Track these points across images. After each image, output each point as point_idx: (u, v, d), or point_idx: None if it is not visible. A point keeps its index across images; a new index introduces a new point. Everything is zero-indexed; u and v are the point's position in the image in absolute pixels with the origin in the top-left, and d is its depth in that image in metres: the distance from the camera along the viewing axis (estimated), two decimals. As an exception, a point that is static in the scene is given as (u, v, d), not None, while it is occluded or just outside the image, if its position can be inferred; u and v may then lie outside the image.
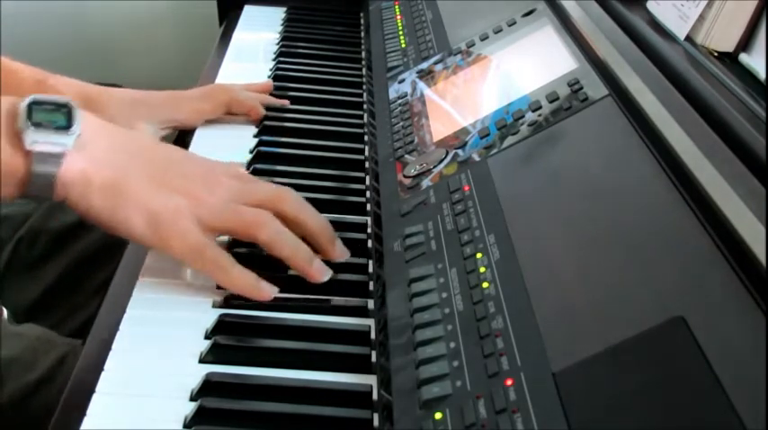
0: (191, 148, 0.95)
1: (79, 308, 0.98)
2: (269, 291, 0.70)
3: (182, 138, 0.97)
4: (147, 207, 0.68)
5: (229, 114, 1.00)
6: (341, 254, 0.75)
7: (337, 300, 0.72)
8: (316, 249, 0.73)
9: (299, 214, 0.73)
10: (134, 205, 0.68)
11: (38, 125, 0.65)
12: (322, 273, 0.72)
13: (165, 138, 0.95)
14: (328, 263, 0.73)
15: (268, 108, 1.03)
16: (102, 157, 0.68)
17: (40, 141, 0.65)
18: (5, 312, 0.90)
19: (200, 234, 0.69)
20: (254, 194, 0.72)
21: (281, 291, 0.71)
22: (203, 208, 0.69)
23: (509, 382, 0.54)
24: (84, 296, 0.98)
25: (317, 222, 0.74)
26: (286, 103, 1.04)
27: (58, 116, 0.66)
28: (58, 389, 0.77)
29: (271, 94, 1.08)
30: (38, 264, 1.00)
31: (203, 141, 0.96)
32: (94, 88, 0.92)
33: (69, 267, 1.00)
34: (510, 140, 0.78)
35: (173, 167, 0.71)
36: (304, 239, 0.73)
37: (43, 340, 0.82)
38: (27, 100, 0.66)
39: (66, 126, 0.66)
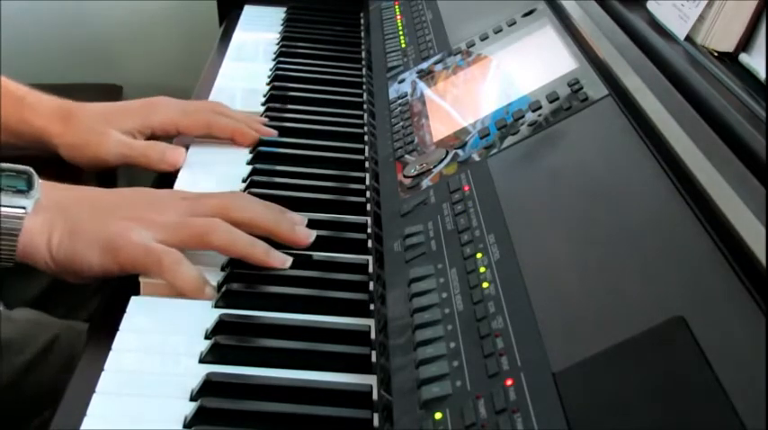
0: (191, 148, 0.95)
1: (79, 307, 0.98)
2: (211, 294, 0.71)
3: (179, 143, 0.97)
4: (99, 238, 0.71)
5: (211, 137, 0.95)
6: (305, 238, 0.76)
7: (338, 295, 0.72)
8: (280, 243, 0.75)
9: (248, 216, 0.75)
10: (88, 242, 0.71)
11: (1, 190, 0.70)
12: (282, 262, 0.74)
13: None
14: (329, 264, 0.73)
15: (269, 109, 1.03)
16: (56, 215, 0.72)
17: (4, 204, 0.70)
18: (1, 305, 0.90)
19: (147, 238, 0.71)
20: (201, 208, 0.74)
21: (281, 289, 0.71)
22: (153, 226, 0.72)
23: (509, 382, 0.54)
24: (84, 295, 0.98)
25: (270, 217, 0.76)
26: (275, 133, 0.98)
27: (19, 181, 0.71)
28: (50, 370, 0.78)
29: (271, 95, 1.08)
30: None
31: (203, 140, 0.96)
32: (69, 104, 0.93)
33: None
34: (510, 140, 0.78)
35: (119, 202, 0.75)
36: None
37: (34, 322, 0.84)
38: None
39: (27, 190, 0.71)
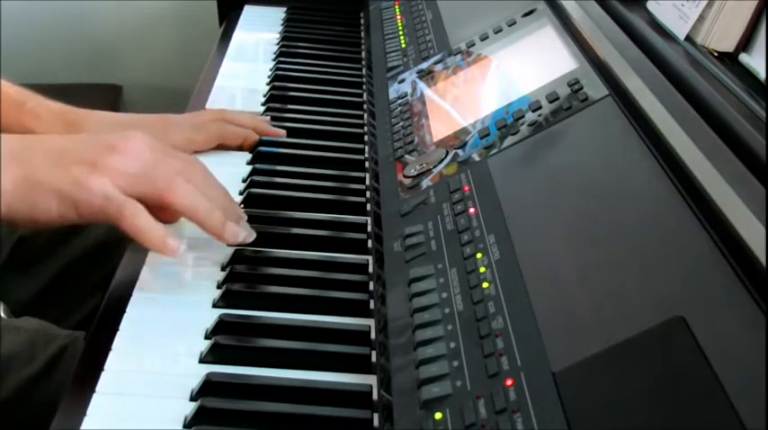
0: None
1: (79, 305, 0.98)
2: (175, 246, 0.70)
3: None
4: (57, 188, 0.69)
5: (221, 148, 0.95)
6: (231, 236, 0.74)
7: (339, 295, 0.72)
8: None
9: (183, 204, 0.72)
10: (45, 191, 0.69)
11: None
12: (235, 235, 0.73)
13: None
14: (329, 264, 0.73)
15: (269, 109, 1.03)
16: (10, 162, 0.69)
17: None
18: (2, 307, 0.90)
19: (106, 187, 0.69)
20: (163, 167, 0.72)
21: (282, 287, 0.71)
22: (114, 173, 0.69)
23: (509, 382, 0.54)
24: (84, 294, 0.98)
25: (224, 197, 0.75)
26: (282, 132, 0.99)
27: None
28: (57, 382, 0.77)
29: (271, 95, 1.08)
30: (38, 261, 1.00)
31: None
32: (76, 111, 0.91)
33: (69, 265, 1.00)
34: (510, 140, 0.78)
35: (78, 146, 0.72)
36: None
37: (41, 333, 0.83)
38: None
39: None
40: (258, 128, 0.97)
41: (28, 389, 0.79)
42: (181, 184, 0.71)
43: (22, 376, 0.79)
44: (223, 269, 0.74)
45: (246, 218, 0.77)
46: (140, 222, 0.69)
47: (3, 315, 0.89)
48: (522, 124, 0.79)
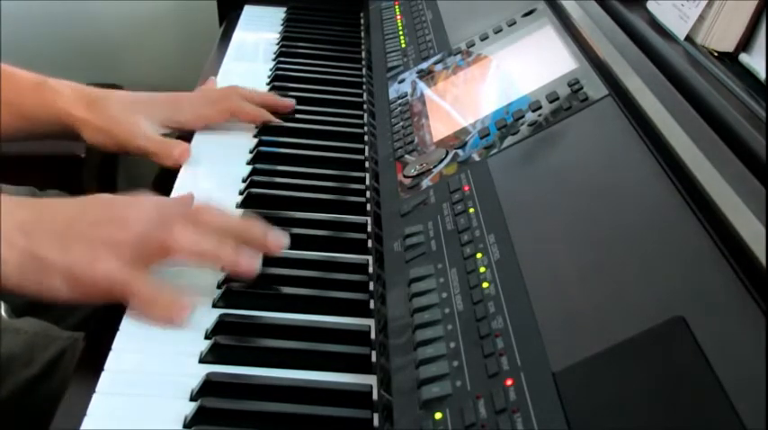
0: (191, 148, 0.95)
1: (79, 305, 0.97)
2: (182, 308, 0.68)
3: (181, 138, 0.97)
4: (63, 268, 0.67)
5: (233, 119, 0.99)
6: (277, 244, 0.73)
7: (339, 295, 0.72)
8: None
9: (219, 220, 0.72)
10: (52, 271, 0.67)
11: None
12: (252, 266, 0.71)
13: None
14: (329, 264, 0.73)
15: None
16: (13, 236, 0.67)
17: None
18: (3, 307, 0.90)
19: (120, 271, 0.67)
20: (168, 224, 0.70)
21: (282, 288, 0.71)
22: (117, 249, 0.68)
23: (509, 382, 0.54)
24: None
25: (239, 222, 0.74)
26: (291, 103, 1.03)
27: None
28: (57, 384, 0.77)
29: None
30: None
31: (204, 140, 0.96)
32: (93, 89, 0.93)
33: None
34: (510, 140, 0.78)
35: (81, 220, 0.70)
36: None
37: (41, 335, 0.83)
38: None
39: None
40: (268, 102, 1.01)
41: (27, 391, 0.79)
42: (178, 232, 0.69)
43: (21, 378, 0.79)
44: (223, 269, 0.74)
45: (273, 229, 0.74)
46: (146, 297, 0.68)
47: (4, 314, 0.89)
48: (522, 124, 0.79)
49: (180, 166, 0.90)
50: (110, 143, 0.91)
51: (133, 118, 0.91)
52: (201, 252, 0.70)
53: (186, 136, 0.97)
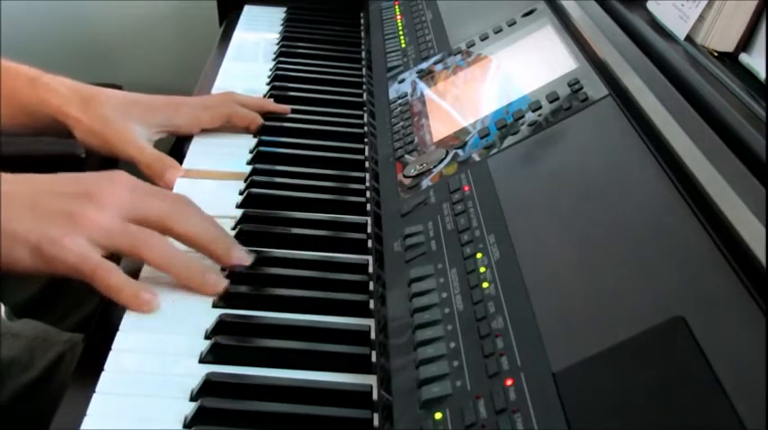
0: (190, 147, 0.95)
1: (79, 305, 0.98)
2: (147, 298, 0.68)
3: (180, 140, 0.97)
4: (28, 239, 0.67)
5: (229, 125, 0.98)
6: (239, 260, 0.73)
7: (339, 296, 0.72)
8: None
9: (187, 231, 0.71)
10: (17, 242, 0.67)
11: None
12: (216, 287, 0.71)
13: (160, 143, 0.94)
14: (329, 265, 0.73)
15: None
16: None
17: None
18: (3, 308, 0.90)
19: (80, 248, 0.67)
20: (142, 210, 0.70)
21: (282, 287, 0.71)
22: (89, 228, 0.68)
23: (509, 382, 0.54)
24: (84, 293, 0.97)
25: (208, 235, 0.72)
26: (287, 109, 1.02)
27: None
28: (56, 388, 0.77)
29: (271, 95, 1.08)
30: None
31: (204, 140, 0.96)
32: (89, 87, 0.91)
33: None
34: (510, 140, 0.78)
35: (55, 192, 0.70)
36: None
37: (41, 339, 0.82)
38: None
39: None
40: (264, 107, 1.01)
41: (26, 395, 0.79)
42: (153, 244, 0.69)
43: (21, 382, 0.79)
44: (223, 269, 0.74)
45: (238, 244, 0.75)
46: (113, 282, 0.67)
47: (4, 316, 0.89)
48: (522, 124, 0.79)
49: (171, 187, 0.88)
50: (101, 146, 0.89)
51: (127, 123, 0.89)
52: (168, 268, 0.70)
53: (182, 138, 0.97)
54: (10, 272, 0.68)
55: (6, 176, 0.71)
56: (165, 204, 0.72)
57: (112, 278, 0.67)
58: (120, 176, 0.72)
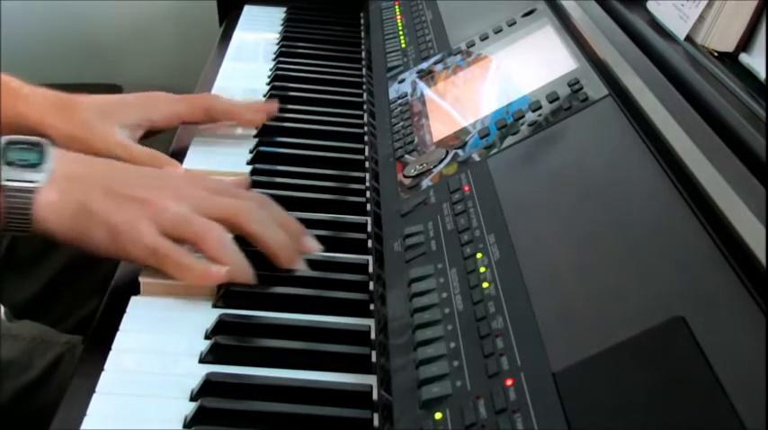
0: (190, 147, 0.95)
1: (79, 305, 0.98)
2: (216, 271, 0.70)
3: (180, 140, 0.97)
4: (108, 221, 0.69)
5: (212, 121, 0.97)
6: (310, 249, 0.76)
7: (339, 294, 0.72)
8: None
9: (254, 230, 0.73)
10: (98, 223, 0.70)
11: (11, 164, 0.69)
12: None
13: (160, 144, 0.94)
14: (329, 264, 0.73)
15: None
16: (69, 187, 0.70)
17: (14, 179, 0.68)
18: (3, 309, 0.90)
19: (154, 235, 0.69)
20: (212, 207, 0.73)
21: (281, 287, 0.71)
22: (161, 216, 0.70)
23: (509, 382, 0.54)
24: (84, 293, 0.98)
25: (275, 239, 0.74)
26: (274, 106, 1.00)
27: (31, 154, 0.70)
28: (55, 389, 0.77)
29: (271, 95, 1.08)
30: (36, 260, 1.00)
31: (204, 140, 0.97)
32: (67, 95, 0.91)
33: (68, 264, 0.99)
34: (510, 140, 0.78)
35: (134, 179, 0.73)
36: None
37: (39, 340, 0.82)
38: (2, 140, 0.70)
39: (39, 163, 0.70)
40: (250, 106, 0.99)
41: (25, 397, 0.79)
42: (212, 236, 0.71)
43: (20, 384, 0.79)
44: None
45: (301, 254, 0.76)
46: (185, 264, 0.70)
47: (3, 317, 0.89)
48: (522, 124, 0.79)
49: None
50: (84, 152, 0.86)
51: (107, 125, 0.89)
52: (223, 263, 0.71)
53: (171, 136, 0.97)
54: (90, 252, 0.71)
55: (81, 157, 0.75)
56: (237, 202, 0.74)
57: (184, 259, 0.70)
58: (198, 177, 0.78)
